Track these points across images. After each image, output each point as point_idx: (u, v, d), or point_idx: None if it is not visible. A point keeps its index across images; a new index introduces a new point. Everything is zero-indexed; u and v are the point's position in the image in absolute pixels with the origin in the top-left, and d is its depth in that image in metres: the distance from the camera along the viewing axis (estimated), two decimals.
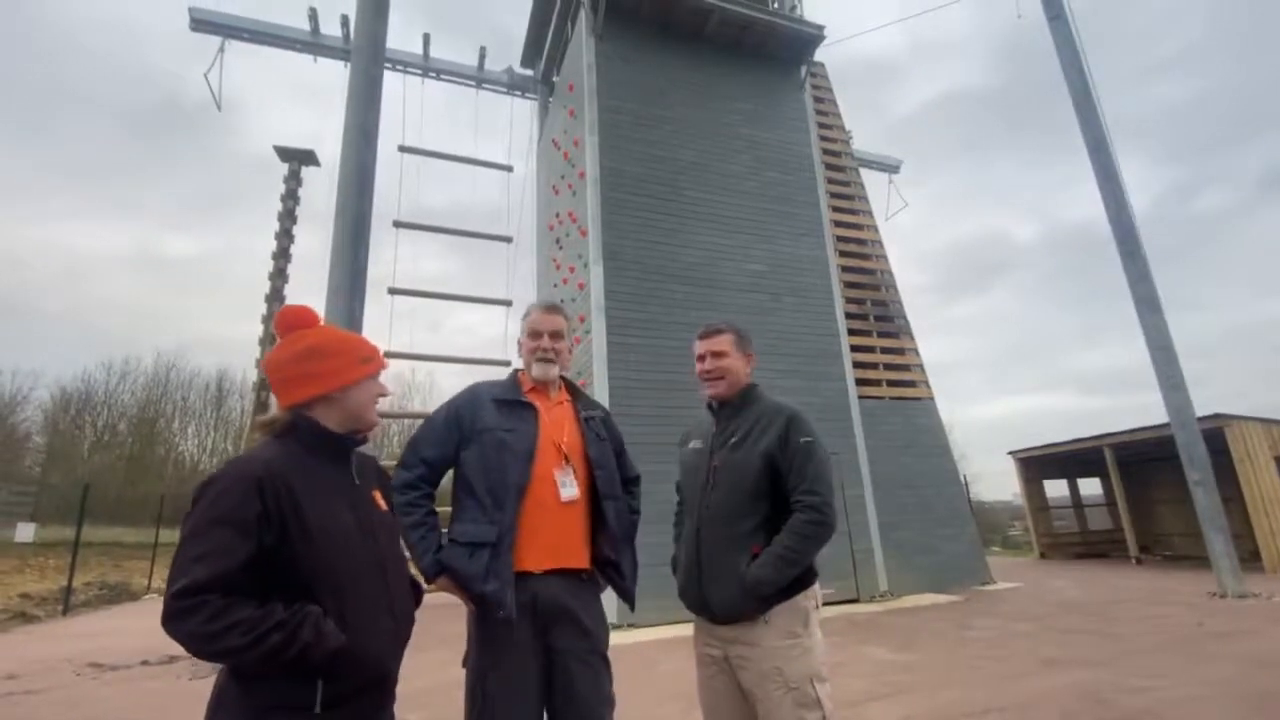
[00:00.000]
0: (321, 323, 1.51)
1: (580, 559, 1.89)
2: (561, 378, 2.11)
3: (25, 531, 14.53)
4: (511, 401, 1.96)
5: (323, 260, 5.87)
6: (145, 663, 5.76)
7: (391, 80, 9.78)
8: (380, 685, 1.33)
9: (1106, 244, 9.23)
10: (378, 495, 1.49)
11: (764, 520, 1.85)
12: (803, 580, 1.82)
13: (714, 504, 1.90)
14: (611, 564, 1.94)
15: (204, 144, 60.17)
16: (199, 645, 1.12)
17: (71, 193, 56.32)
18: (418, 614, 1.59)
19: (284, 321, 1.46)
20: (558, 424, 1.98)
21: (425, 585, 1.77)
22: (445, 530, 1.88)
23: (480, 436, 1.89)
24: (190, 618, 1.10)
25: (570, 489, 1.89)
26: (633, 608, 2.03)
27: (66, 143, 56.92)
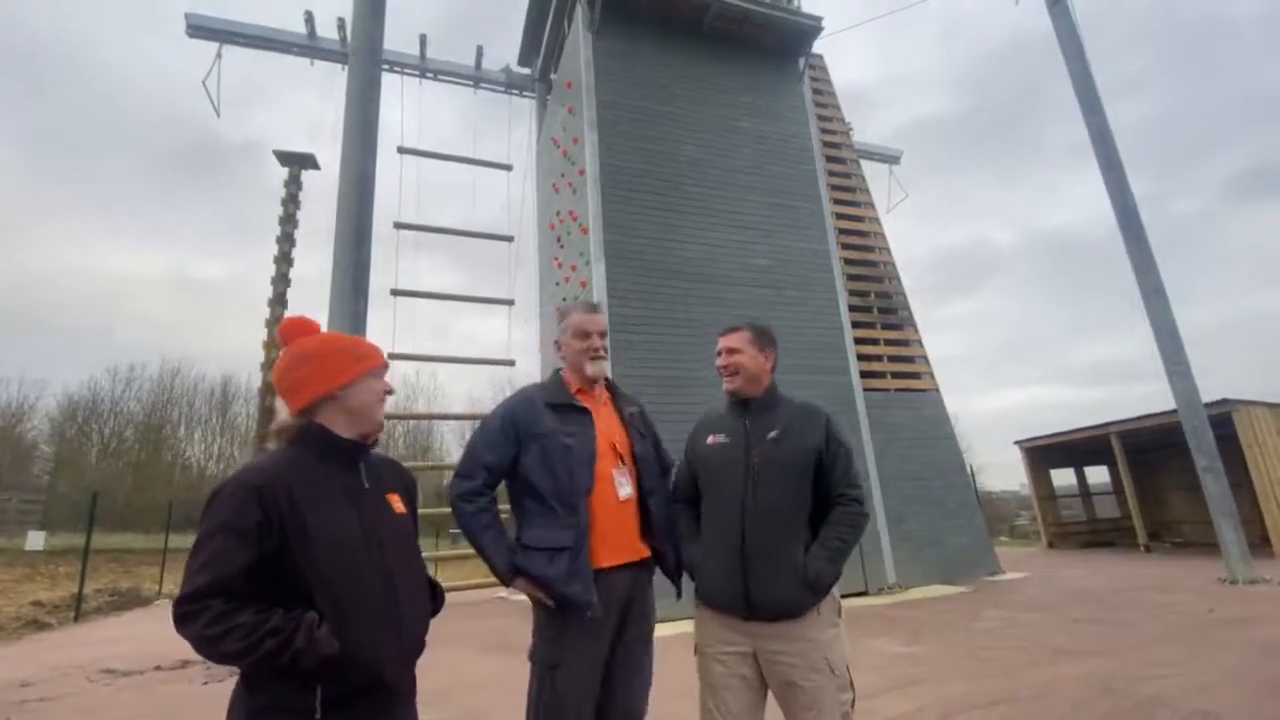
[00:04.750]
0: (323, 329, 1.53)
1: (640, 550, 2.00)
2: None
3: (35, 539, 14.63)
4: (566, 405, 2.03)
5: (325, 264, 5.88)
6: (158, 668, 5.79)
7: (390, 83, 9.77)
8: (382, 691, 1.33)
9: (1088, 247, 9.31)
10: (394, 499, 1.49)
11: (810, 514, 1.92)
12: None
13: (763, 499, 1.90)
14: (659, 554, 2.04)
15: (229, 178, 64.84)
16: (203, 648, 1.18)
17: (107, 221, 60.89)
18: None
19: (285, 332, 1.49)
20: (608, 425, 2.07)
21: (505, 583, 1.87)
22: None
23: (540, 440, 1.94)
24: (194, 622, 1.16)
25: (626, 488, 1.99)
26: (679, 595, 2.13)
27: (107, 179, 61.87)
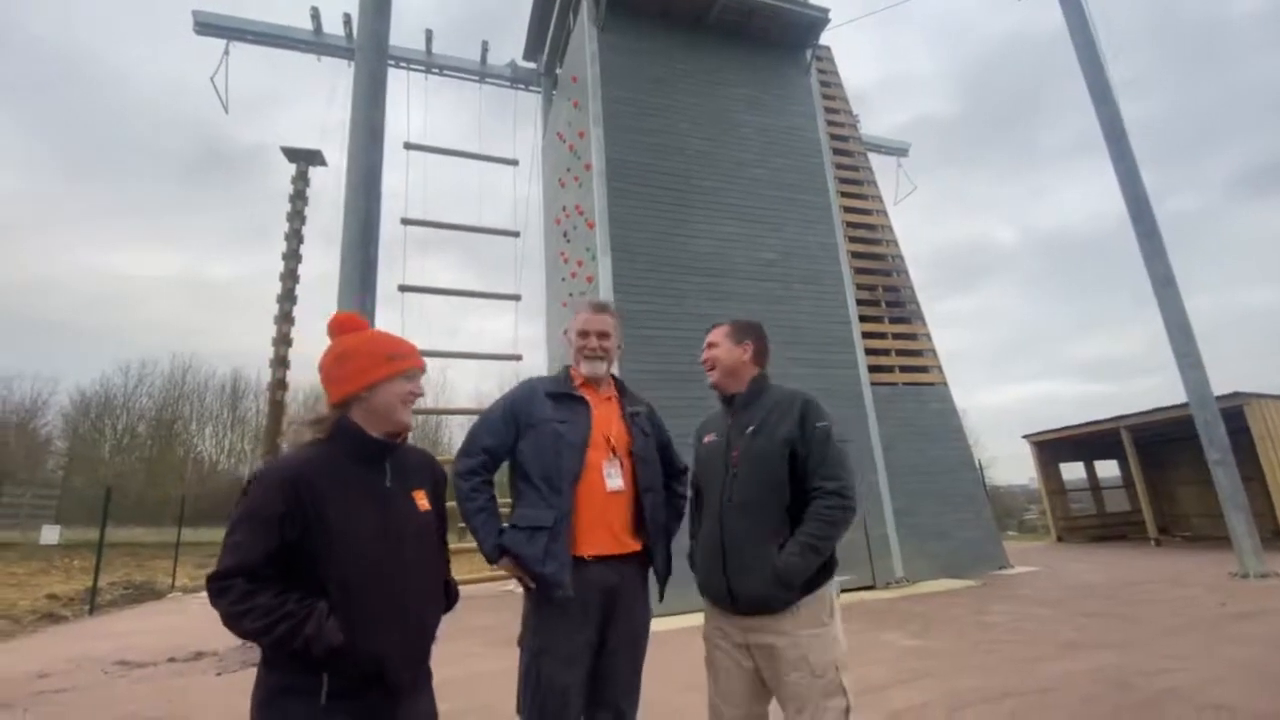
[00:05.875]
0: (369, 327, 1.59)
1: (627, 545, 2.00)
2: (610, 374, 2.22)
3: (50, 534, 14.80)
4: (564, 395, 2.08)
5: (334, 261, 5.90)
6: (172, 660, 5.86)
7: (396, 80, 9.79)
8: (387, 683, 1.38)
9: (1089, 244, 9.24)
10: (419, 495, 1.54)
11: (786, 508, 1.87)
12: (827, 568, 1.85)
13: (737, 494, 1.91)
14: (650, 553, 2.06)
15: (239, 182, 65.54)
16: (229, 622, 1.29)
17: (117, 225, 61.61)
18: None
19: (333, 327, 1.56)
20: (606, 419, 2.09)
21: (490, 562, 1.92)
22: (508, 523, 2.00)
23: (536, 427, 2.01)
24: (222, 598, 1.28)
25: (616, 480, 2.00)
26: (660, 598, 2.11)
27: (121, 183, 62.19)
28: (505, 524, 1.98)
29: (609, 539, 1.96)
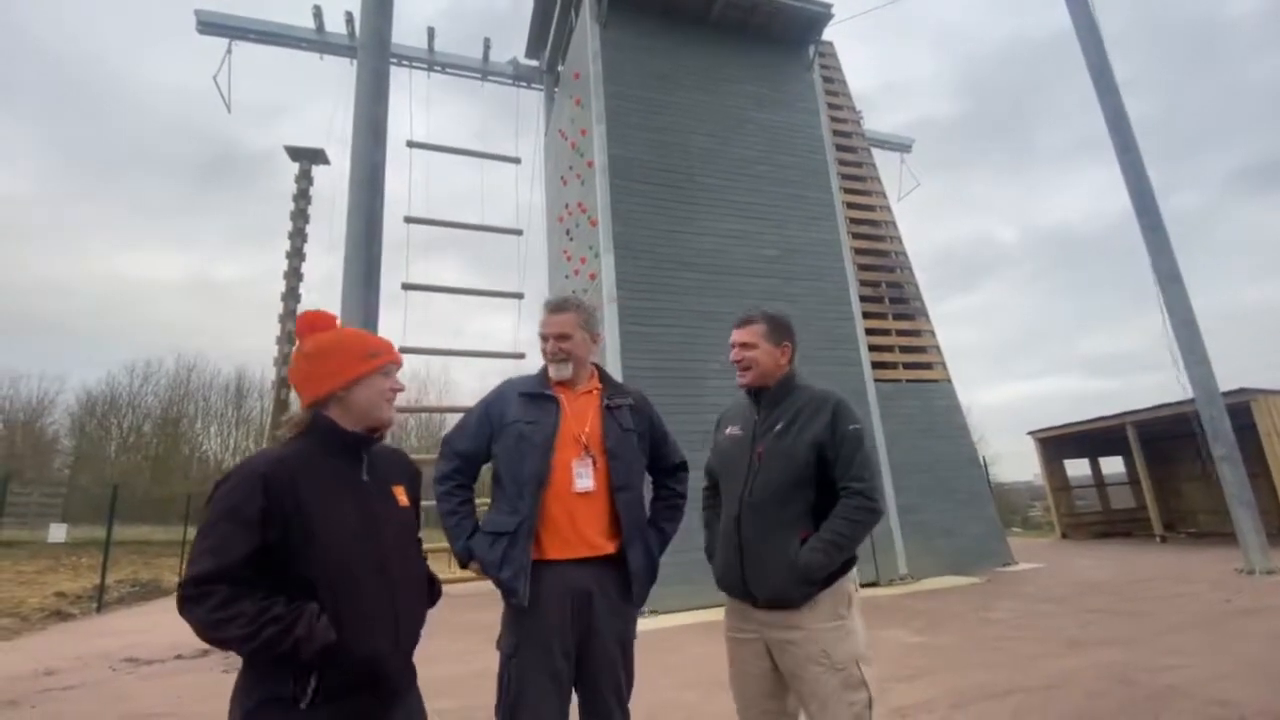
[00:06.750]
0: (338, 324, 1.55)
1: (603, 546, 1.93)
2: (595, 365, 2.15)
3: (58, 532, 14.88)
4: (536, 394, 2.01)
5: (337, 260, 5.92)
6: (179, 657, 5.90)
7: (398, 79, 9.80)
8: (377, 683, 1.34)
9: (1089, 243, 9.14)
10: (398, 491, 1.51)
11: (809, 507, 1.85)
12: (845, 563, 1.84)
13: (758, 490, 1.89)
14: (624, 555, 1.95)
15: (245, 186, 65.14)
16: (205, 631, 1.20)
17: (122, 227, 61.09)
18: (443, 605, 1.64)
19: (301, 326, 1.51)
20: (580, 415, 2.01)
21: (457, 569, 1.82)
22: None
23: (505, 429, 1.96)
24: (198, 605, 1.19)
25: (585, 480, 1.93)
26: (638, 601, 2.00)
27: (122, 184, 62.03)
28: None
29: (579, 542, 1.89)
